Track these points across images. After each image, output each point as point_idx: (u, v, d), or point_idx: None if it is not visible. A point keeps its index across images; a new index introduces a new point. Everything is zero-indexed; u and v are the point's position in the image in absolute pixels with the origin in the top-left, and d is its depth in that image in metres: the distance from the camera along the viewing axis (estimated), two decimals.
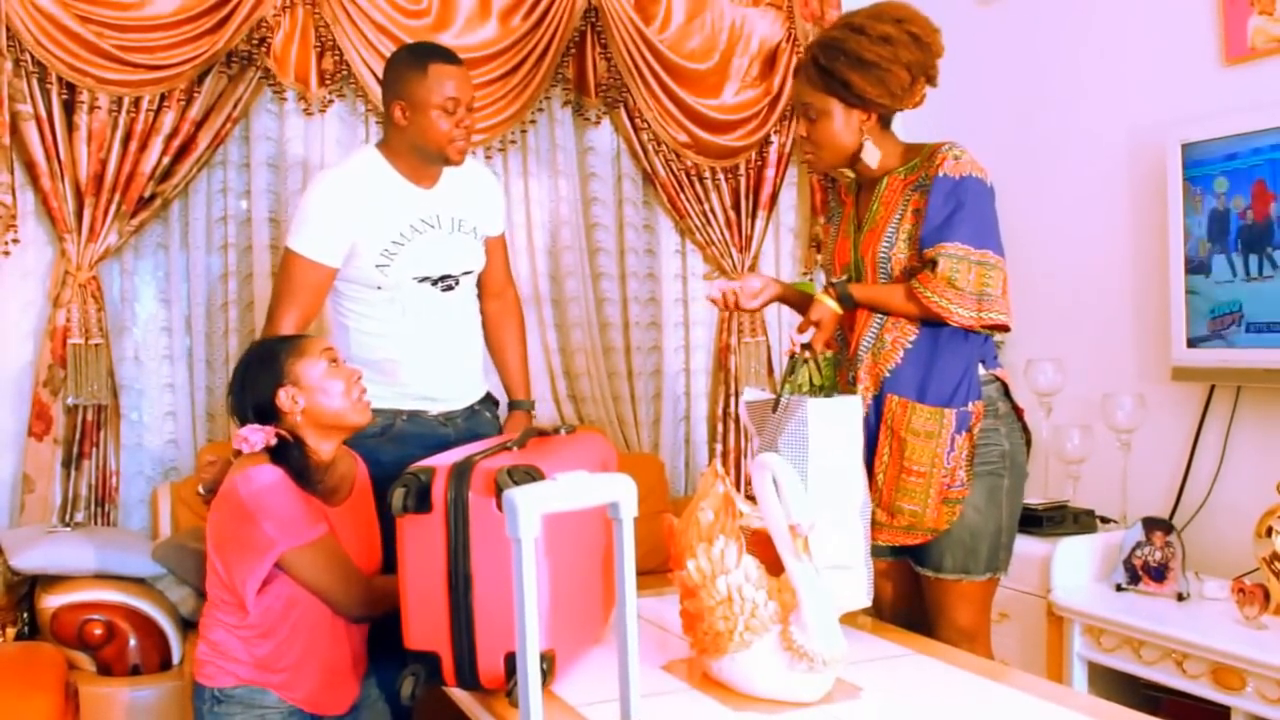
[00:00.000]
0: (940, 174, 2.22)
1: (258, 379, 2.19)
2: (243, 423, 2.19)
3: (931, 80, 2.31)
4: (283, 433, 2.14)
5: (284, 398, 2.15)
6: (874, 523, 2.26)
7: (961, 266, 2.16)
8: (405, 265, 2.55)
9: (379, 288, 2.55)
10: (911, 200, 2.26)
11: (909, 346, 2.25)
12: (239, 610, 2.10)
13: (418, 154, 2.54)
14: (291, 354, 2.19)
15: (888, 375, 2.26)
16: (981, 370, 2.27)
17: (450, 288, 2.61)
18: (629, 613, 1.24)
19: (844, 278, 2.36)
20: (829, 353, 2.30)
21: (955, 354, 2.24)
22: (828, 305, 2.26)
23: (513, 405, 2.84)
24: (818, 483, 2.09)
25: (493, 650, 1.73)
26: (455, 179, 2.63)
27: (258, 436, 2.12)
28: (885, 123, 2.34)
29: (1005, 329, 2.25)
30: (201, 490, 2.44)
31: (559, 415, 3.91)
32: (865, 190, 2.37)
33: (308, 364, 2.18)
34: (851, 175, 2.39)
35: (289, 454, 2.12)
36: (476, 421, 2.70)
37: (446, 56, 2.54)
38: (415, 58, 2.53)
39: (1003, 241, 2.24)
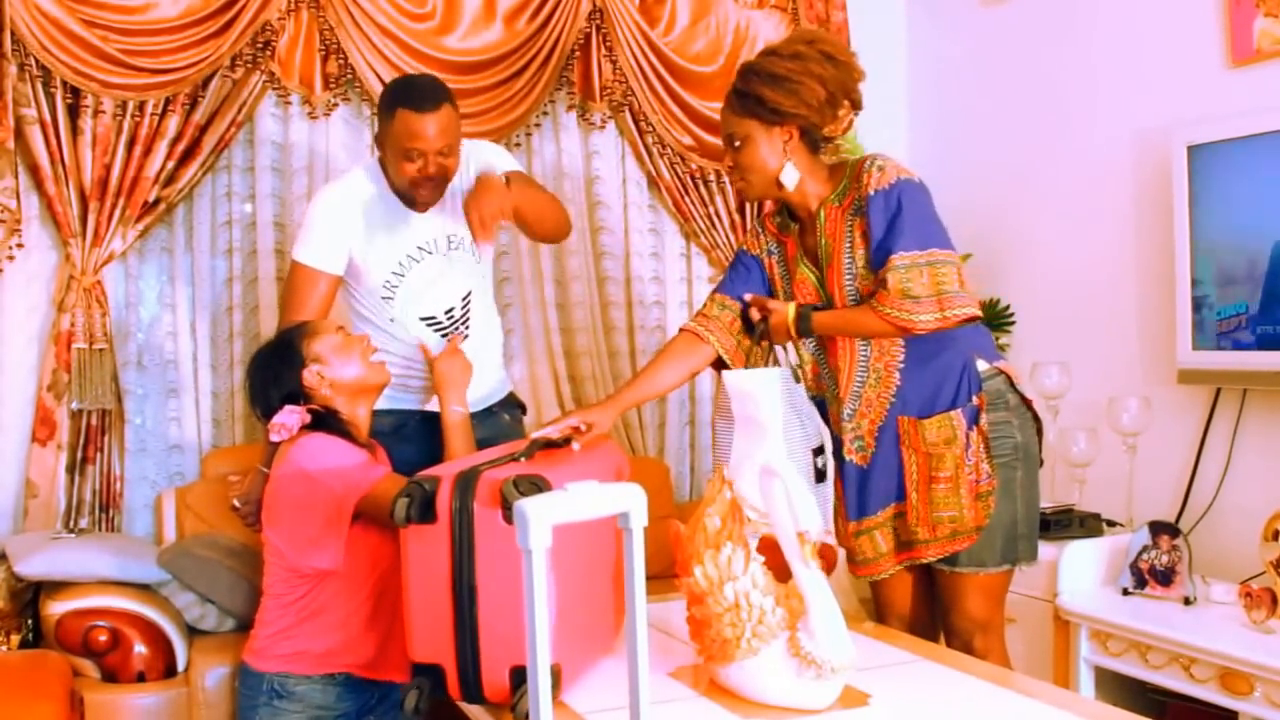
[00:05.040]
0: (870, 192, 2.23)
1: (280, 372, 2.26)
2: (270, 417, 2.24)
3: (855, 103, 2.34)
4: (314, 407, 2.22)
5: (310, 376, 2.24)
6: (918, 541, 2.29)
7: (912, 274, 2.16)
8: (408, 302, 2.58)
9: (391, 319, 2.60)
10: (856, 225, 2.27)
11: (901, 367, 2.28)
12: (310, 583, 2.13)
13: (395, 189, 2.56)
14: (305, 337, 2.28)
15: (893, 400, 2.28)
16: (982, 365, 2.28)
17: (451, 329, 2.62)
18: (638, 623, 1.24)
19: (816, 304, 2.37)
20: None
21: (948, 355, 2.27)
22: (785, 312, 2.30)
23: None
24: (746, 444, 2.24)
25: (497, 664, 1.72)
26: (450, 189, 2.60)
27: (293, 419, 2.19)
28: (813, 148, 2.34)
29: (976, 320, 2.22)
30: (238, 504, 2.46)
31: None
32: (807, 228, 2.37)
33: (322, 340, 2.27)
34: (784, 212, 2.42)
35: (328, 421, 2.21)
36: (494, 424, 2.70)
37: (419, 102, 2.42)
38: (389, 99, 2.48)
39: (948, 233, 2.24)
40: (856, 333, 2.28)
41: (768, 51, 2.33)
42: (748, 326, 2.42)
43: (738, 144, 2.32)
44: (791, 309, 2.31)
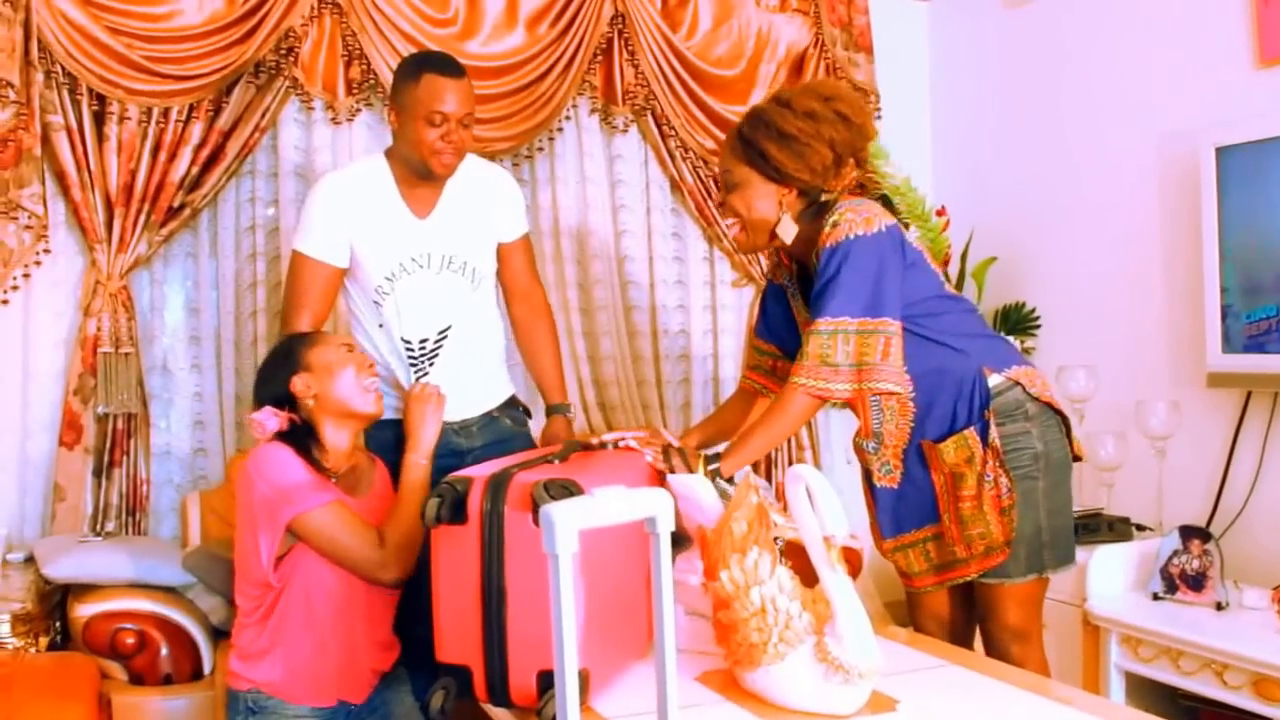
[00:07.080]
0: (822, 249, 2.15)
1: (275, 372, 2.28)
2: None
3: (861, 163, 2.28)
4: (294, 417, 2.23)
5: (298, 383, 2.24)
6: (958, 561, 2.26)
7: (834, 341, 2.11)
8: (392, 316, 2.55)
9: (380, 325, 2.58)
10: None
11: (914, 396, 2.24)
12: (265, 599, 2.15)
13: (408, 164, 2.52)
14: (308, 344, 2.30)
15: (913, 425, 2.26)
16: (995, 378, 2.24)
17: (421, 360, 2.57)
18: (666, 628, 1.23)
19: (714, 464, 2.19)
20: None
21: (957, 372, 2.23)
22: (715, 490, 2.09)
23: (550, 410, 2.82)
24: None
25: (525, 667, 1.71)
26: (455, 203, 2.58)
27: (272, 421, 2.22)
28: (811, 202, 2.27)
29: (894, 395, 2.17)
30: None
31: (588, 424, 3.90)
32: (808, 282, 2.32)
33: (322, 351, 2.27)
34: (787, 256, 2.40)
35: (298, 435, 2.21)
36: (496, 428, 2.69)
37: (444, 68, 2.47)
38: (413, 65, 2.51)
39: (892, 299, 2.12)
40: (772, 444, 2.26)
41: (782, 102, 2.25)
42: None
43: (731, 185, 2.27)
44: (701, 471, 2.15)
